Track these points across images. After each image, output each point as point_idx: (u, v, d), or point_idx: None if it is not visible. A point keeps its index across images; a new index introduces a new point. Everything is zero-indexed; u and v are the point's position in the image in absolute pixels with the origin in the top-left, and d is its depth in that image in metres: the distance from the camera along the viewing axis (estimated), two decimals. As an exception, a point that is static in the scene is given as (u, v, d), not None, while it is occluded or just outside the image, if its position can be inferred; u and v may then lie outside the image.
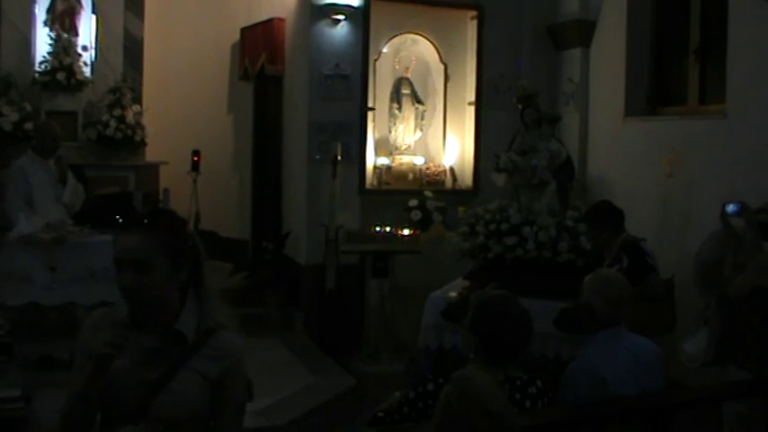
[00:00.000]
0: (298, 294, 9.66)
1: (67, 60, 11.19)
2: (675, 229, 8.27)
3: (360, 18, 9.51)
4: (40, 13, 11.50)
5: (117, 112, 11.33)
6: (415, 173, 10.09)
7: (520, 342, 3.78)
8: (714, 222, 5.49)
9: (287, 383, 7.76)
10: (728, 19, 7.78)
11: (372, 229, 9.15)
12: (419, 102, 10.28)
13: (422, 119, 10.30)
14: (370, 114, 9.75)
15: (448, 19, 10.24)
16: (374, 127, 9.91)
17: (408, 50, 10.30)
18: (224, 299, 8.92)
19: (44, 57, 11.28)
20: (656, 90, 9.15)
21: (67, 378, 3.15)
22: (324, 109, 9.48)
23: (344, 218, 9.25)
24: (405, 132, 10.23)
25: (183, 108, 12.04)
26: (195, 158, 11.49)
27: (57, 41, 11.29)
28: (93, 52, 11.65)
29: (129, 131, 11.36)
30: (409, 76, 10.27)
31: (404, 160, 10.12)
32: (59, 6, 11.61)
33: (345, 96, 9.52)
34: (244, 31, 11.40)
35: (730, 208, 5.27)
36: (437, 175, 10.18)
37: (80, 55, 11.44)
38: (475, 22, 10.12)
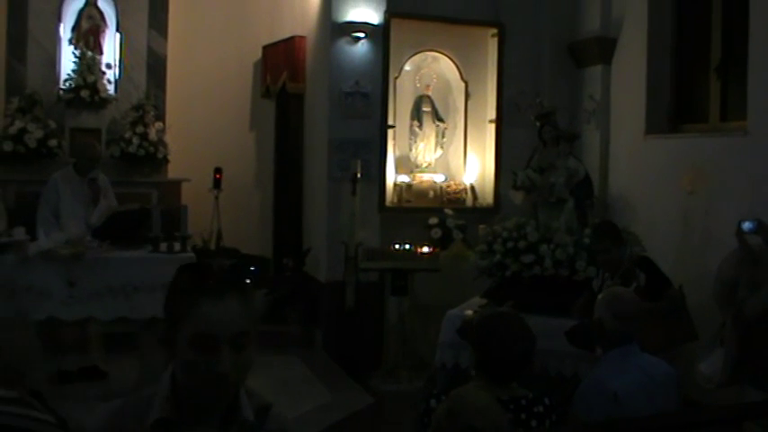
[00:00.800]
0: (317, 311, 9.66)
1: (91, 78, 11.26)
2: (696, 247, 8.20)
3: (380, 36, 9.54)
4: (65, 31, 11.60)
5: (140, 129, 11.38)
6: (435, 190, 10.08)
7: (519, 360, 3.74)
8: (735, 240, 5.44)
9: (305, 401, 7.76)
10: (749, 35, 7.72)
11: (392, 247, 9.13)
12: (440, 119, 10.29)
13: (442, 136, 10.30)
14: (390, 132, 9.76)
15: (469, 36, 10.25)
16: (394, 144, 9.92)
17: (429, 68, 10.31)
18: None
19: (69, 74, 11.36)
20: (677, 107, 9.10)
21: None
22: (344, 126, 9.50)
23: (364, 235, 9.24)
24: (425, 150, 10.24)
25: (206, 125, 12.08)
26: (217, 176, 11.55)
27: (81, 59, 11.37)
28: (116, 70, 11.71)
29: (152, 148, 11.41)
30: (430, 93, 10.28)
31: (424, 178, 10.12)
32: (84, 25, 11.70)
33: (365, 114, 9.53)
34: (265, 49, 11.46)
35: (746, 225, 5.21)
36: (458, 193, 10.17)
37: (104, 73, 11.50)
38: (496, 40, 10.13)
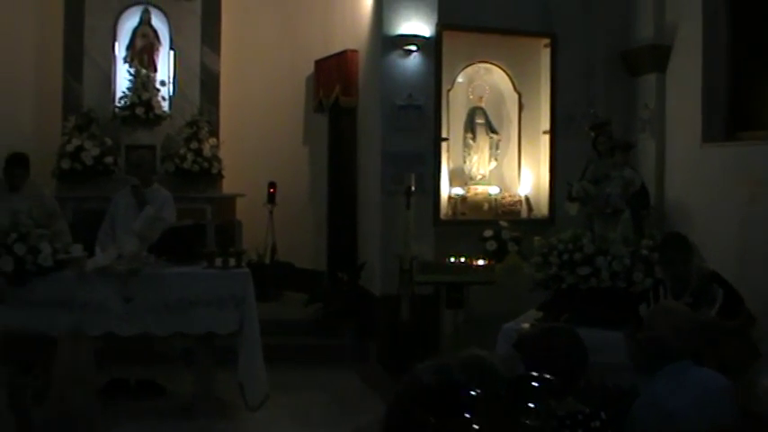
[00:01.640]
0: (372, 325, 9.63)
1: (146, 95, 11.38)
2: (758, 258, 8.07)
3: (432, 48, 9.53)
4: (120, 49, 11.75)
5: (194, 145, 11.45)
6: (490, 203, 10.05)
7: (567, 375, 3.68)
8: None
9: (360, 415, 7.72)
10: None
11: (447, 260, 9.09)
12: (493, 131, 10.26)
13: (496, 148, 10.28)
14: (443, 145, 9.75)
15: (521, 47, 10.22)
16: (448, 157, 9.90)
17: (482, 80, 10.30)
18: (299, 329, 8.96)
19: (124, 92, 11.50)
20: (733, 114, 8.98)
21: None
22: (397, 140, 9.49)
23: (419, 248, 9.20)
24: (479, 162, 10.22)
25: (259, 140, 12.13)
26: (271, 190, 11.59)
27: (136, 77, 11.51)
28: (170, 87, 11.82)
29: (206, 164, 11.47)
30: (483, 105, 10.26)
31: (479, 190, 10.10)
32: (138, 43, 11.84)
33: (419, 127, 9.52)
34: (318, 63, 11.49)
35: None
36: (512, 205, 10.13)
37: (158, 90, 11.62)
38: (548, 50, 10.10)
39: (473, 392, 2.72)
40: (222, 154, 11.75)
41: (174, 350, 8.12)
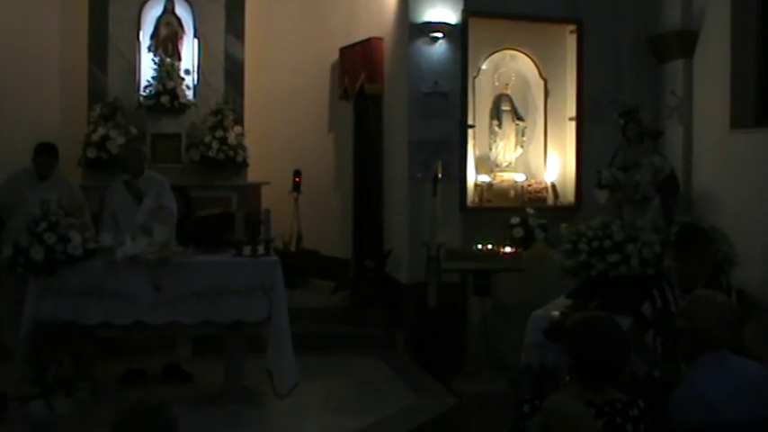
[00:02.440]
0: (399, 313, 9.64)
1: (171, 84, 11.44)
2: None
3: (457, 35, 9.50)
4: (145, 39, 11.81)
5: (219, 133, 11.49)
6: (516, 190, 10.02)
7: (614, 364, 3.67)
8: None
9: (389, 402, 7.73)
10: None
11: (474, 247, 9.07)
12: (519, 118, 10.23)
13: (522, 135, 10.24)
14: (470, 132, 9.72)
15: (547, 34, 10.17)
16: (474, 144, 9.87)
17: (507, 66, 10.26)
18: (326, 317, 9.02)
19: (148, 81, 11.57)
20: (763, 100, 8.89)
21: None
22: (423, 127, 9.47)
23: (446, 236, 9.20)
24: (505, 149, 10.18)
25: (284, 128, 12.15)
26: (296, 178, 11.62)
27: (160, 66, 11.57)
28: (195, 75, 11.87)
29: (231, 152, 11.50)
30: (509, 92, 10.23)
31: (505, 177, 10.07)
32: (163, 32, 11.90)
33: (445, 114, 9.50)
34: (343, 50, 11.48)
35: None
36: (539, 192, 10.10)
37: (183, 78, 11.67)
38: (574, 36, 10.04)
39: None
40: (247, 142, 11.79)
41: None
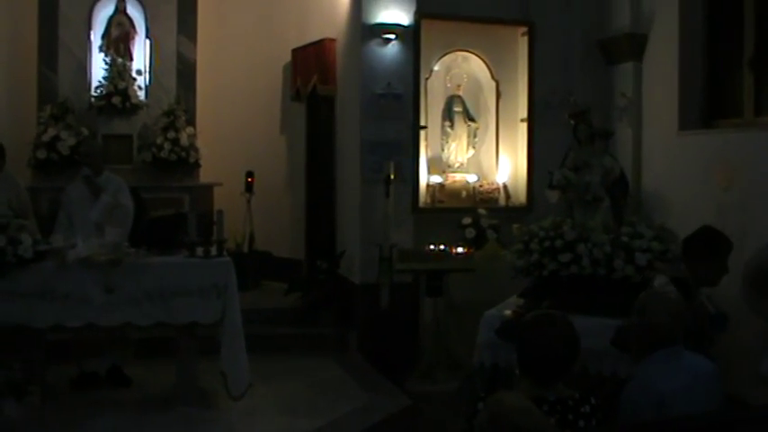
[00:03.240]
0: (352, 313, 9.66)
1: (122, 85, 11.35)
2: (734, 245, 8.11)
3: (410, 37, 9.54)
4: (96, 38, 11.70)
5: (171, 134, 11.43)
6: (468, 190, 10.08)
7: (565, 361, 3.72)
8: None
9: (342, 403, 7.76)
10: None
11: (426, 248, 9.12)
12: (471, 119, 10.28)
13: (474, 136, 10.30)
14: (422, 133, 9.76)
15: (498, 36, 10.25)
16: (427, 145, 9.92)
17: (460, 68, 10.31)
18: (279, 318, 9.01)
19: (100, 81, 11.46)
20: (710, 103, 9.02)
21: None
22: (376, 128, 9.50)
23: (398, 236, 9.24)
24: (457, 150, 10.24)
25: (237, 129, 12.12)
26: (249, 179, 11.60)
27: (112, 66, 11.48)
28: (147, 76, 11.79)
29: (184, 153, 11.46)
30: (461, 93, 10.28)
31: (457, 178, 10.12)
32: (114, 32, 11.80)
33: (397, 115, 9.53)
34: (295, 51, 11.47)
35: None
36: (490, 193, 10.16)
37: (134, 79, 11.58)
38: (526, 39, 10.14)
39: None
40: (199, 143, 11.76)
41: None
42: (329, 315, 9.90)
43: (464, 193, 10.06)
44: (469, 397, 4.81)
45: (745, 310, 4.78)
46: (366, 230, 9.47)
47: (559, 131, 8.75)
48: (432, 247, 9.07)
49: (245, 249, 11.44)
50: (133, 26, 11.86)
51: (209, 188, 11.73)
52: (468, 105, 10.29)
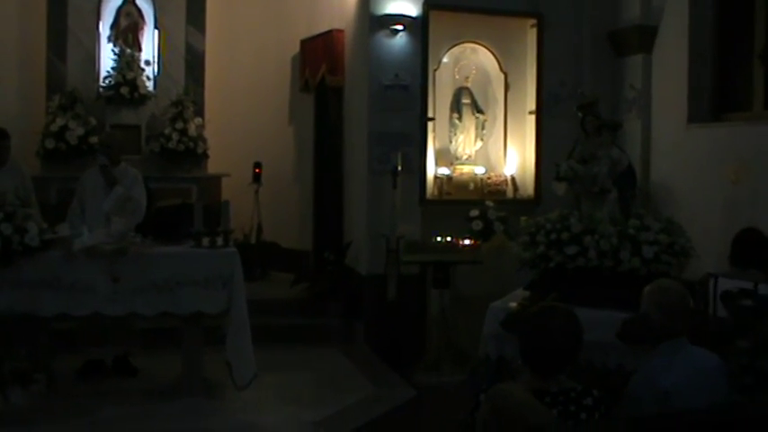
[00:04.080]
0: (359, 305, 9.66)
1: (131, 75, 11.36)
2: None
3: (419, 28, 9.52)
4: (105, 29, 11.70)
5: (179, 125, 11.43)
6: (475, 183, 10.06)
7: (566, 353, 3.71)
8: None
9: (347, 394, 7.77)
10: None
11: (433, 240, 9.10)
12: (479, 111, 10.25)
13: (482, 128, 10.27)
14: (430, 124, 9.73)
15: (507, 27, 10.21)
16: (434, 137, 9.88)
17: (468, 60, 10.28)
18: (286, 309, 8.98)
19: (108, 72, 11.47)
20: (719, 96, 9.00)
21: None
22: (384, 120, 9.49)
23: (405, 228, 9.23)
24: (465, 142, 10.21)
25: (245, 120, 12.10)
26: (257, 170, 11.59)
27: (120, 57, 11.48)
28: (155, 66, 11.79)
29: (192, 144, 11.46)
30: (469, 85, 10.25)
31: (464, 170, 10.10)
32: (123, 22, 11.80)
33: (405, 107, 9.51)
34: (304, 42, 11.45)
35: None
36: (498, 185, 10.14)
37: (143, 69, 11.59)
38: (535, 30, 10.09)
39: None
40: (207, 134, 11.75)
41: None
42: (336, 306, 9.91)
43: (471, 186, 10.03)
44: (474, 389, 4.79)
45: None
46: (373, 222, 9.47)
47: (568, 124, 8.72)
48: (438, 238, 9.05)
49: (253, 240, 11.44)
50: (142, 16, 11.86)
51: (216, 179, 11.72)
52: (477, 97, 10.26)
